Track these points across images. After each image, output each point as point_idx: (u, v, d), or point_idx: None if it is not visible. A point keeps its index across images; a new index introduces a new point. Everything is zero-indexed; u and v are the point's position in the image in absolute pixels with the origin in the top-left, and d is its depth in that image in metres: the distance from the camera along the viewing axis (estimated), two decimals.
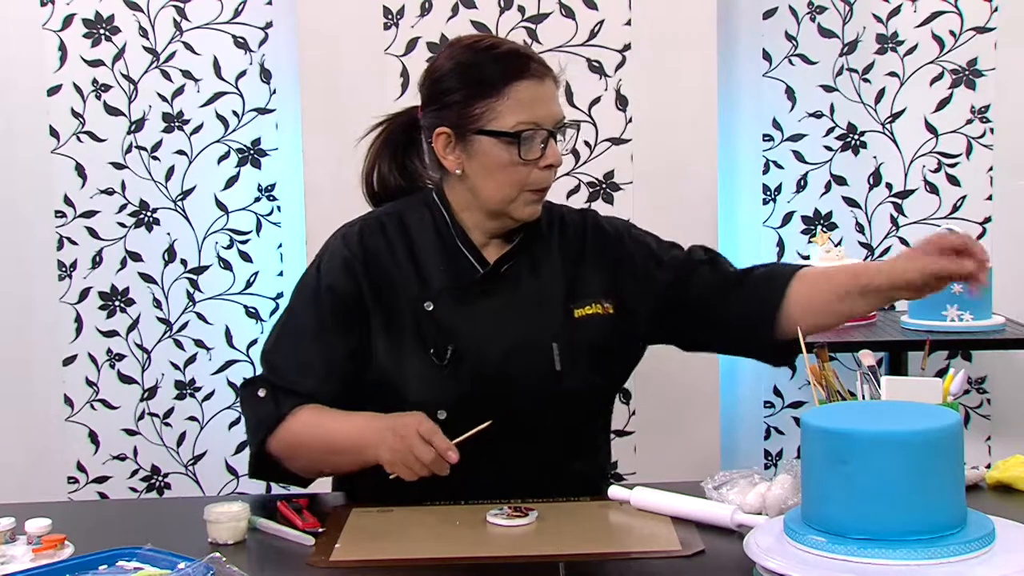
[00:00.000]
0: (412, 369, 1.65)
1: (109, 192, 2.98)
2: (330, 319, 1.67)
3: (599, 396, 1.77)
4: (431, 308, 1.66)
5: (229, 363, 3.05)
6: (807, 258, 2.91)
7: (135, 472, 3.06)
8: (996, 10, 2.93)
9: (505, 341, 1.66)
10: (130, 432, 3.05)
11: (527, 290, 1.70)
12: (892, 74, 2.96)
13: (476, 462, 1.53)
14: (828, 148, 3.01)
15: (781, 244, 3.03)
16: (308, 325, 1.68)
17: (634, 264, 1.76)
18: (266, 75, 2.99)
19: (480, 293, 1.69)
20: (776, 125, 3.01)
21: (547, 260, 1.73)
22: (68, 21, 2.93)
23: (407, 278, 1.68)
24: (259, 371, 1.71)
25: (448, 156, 1.66)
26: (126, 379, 3.04)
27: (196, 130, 2.98)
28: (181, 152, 2.99)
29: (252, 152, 3.01)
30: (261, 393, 1.66)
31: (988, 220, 2.98)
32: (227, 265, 3.03)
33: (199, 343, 3.04)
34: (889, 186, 2.99)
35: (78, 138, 2.96)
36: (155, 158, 2.98)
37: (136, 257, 3.01)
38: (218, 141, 2.99)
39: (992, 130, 2.96)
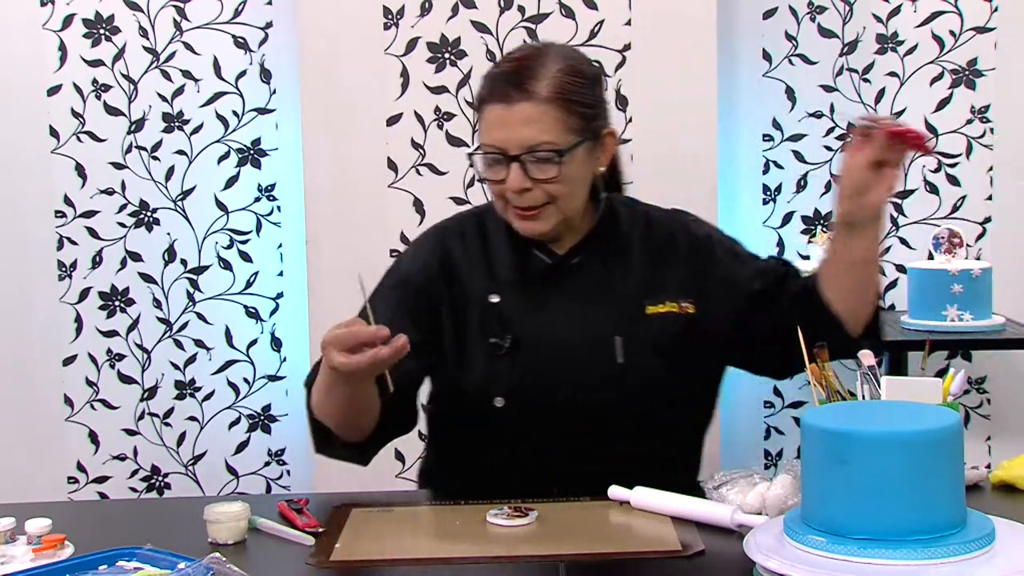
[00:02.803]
0: (471, 358, 1.70)
1: (109, 192, 2.98)
2: (401, 309, 1.71)
3: (668, 393, 1.71)
4: (496, 300, 1.71)
5: (229, 363, 3.05)
6: (807, 258, 2.91)
7: (135, 472, 3.06)
8: (996, 10, 2.93)
9: (565, 332, 1.69)
10: (130, 432, 3.05)
11: (595, 283, 1.72)
12: (892, 74, 2.96)
13: (549, 455, 1.64)
14: (828, 148, 3.00)
15: (781, 244, 3.03)
16: (380, 313, 1.72)
17: (722, 267, 1.75)
18: (266, 75, 2.98)
19: (546, 285, 1.72)
20: (776, 125, 3.01)
21: (623, 255, 1.74)
22: (68, 21, 2.93)
23: (478, 274, 1.73)
24: None
25: None
26: (126, 379, 3.04)
27: (196, 130, 2.98)
28: (181, 152, 2.99)
29: (252, 152, 3.01)
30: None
31: (988, 220, 2.98)
32: (227, 265, 3.03)
33: (199, 343, 3.04)
34: None
35: (78, 138, 2.96)
36: (155, 158, 2.98)
37: (136, 257, 3.01)
38: (218, 141, 2.99)
39: (992, 130, 2.96)
